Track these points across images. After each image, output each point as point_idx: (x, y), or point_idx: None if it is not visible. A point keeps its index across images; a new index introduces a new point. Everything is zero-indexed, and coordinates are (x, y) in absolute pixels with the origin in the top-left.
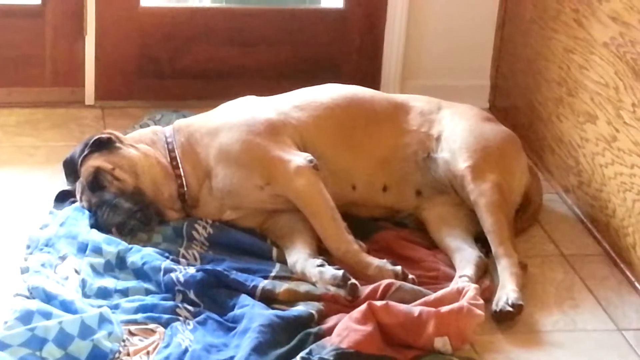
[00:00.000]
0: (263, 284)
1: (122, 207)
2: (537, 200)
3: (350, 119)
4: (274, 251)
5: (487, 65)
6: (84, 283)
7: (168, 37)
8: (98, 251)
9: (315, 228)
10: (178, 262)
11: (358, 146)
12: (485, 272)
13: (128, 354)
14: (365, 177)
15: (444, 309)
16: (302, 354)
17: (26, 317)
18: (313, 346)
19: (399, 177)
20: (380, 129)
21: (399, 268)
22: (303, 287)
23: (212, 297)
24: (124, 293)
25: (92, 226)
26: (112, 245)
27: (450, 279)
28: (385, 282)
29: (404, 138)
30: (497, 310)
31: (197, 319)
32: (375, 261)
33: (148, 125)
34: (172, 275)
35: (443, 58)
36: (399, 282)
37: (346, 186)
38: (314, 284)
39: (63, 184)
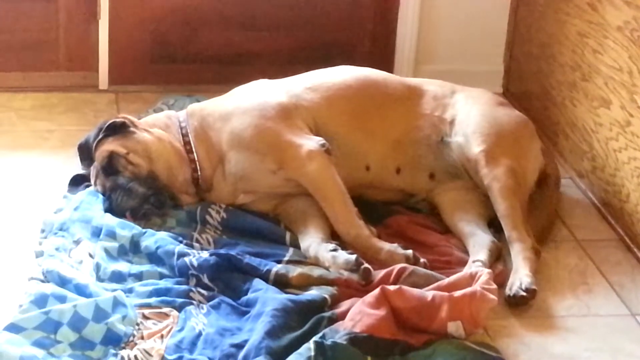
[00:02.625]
0: (276, 268)
1: (136, 192)
2: (555, 184)
3: (363, 100)
4: (288, 235)
5: (501, 50)
6: (98, 267)
7: (181, 22)
8: (112, 235)
9: (327, 212)
10: (192, 247)
11: (371, 128)
12: (499, 257)
13: (142, 338)
14: (379, 158)
15: (457, 293)
16: (315, 338)
17: (41, 301)
18: (326, 330)
19: (412, 159)
20: (394, 111)
21: (410, 252)
22: (316, 272)
23: (226, 281)
24: (138, 277)
25: (106, 210)
26: (126, 229)
27: (463, 263)
28: (398, 266)
29: (417, 121)
30: (511, 294)
31: (211, 303)
32: (386, 246)
33: (162, 110)
34: (186, 259)
35: (456, 43)
36: (412, 267)
37: (360, 167)
38: (327, 268)
39: (77, 168)
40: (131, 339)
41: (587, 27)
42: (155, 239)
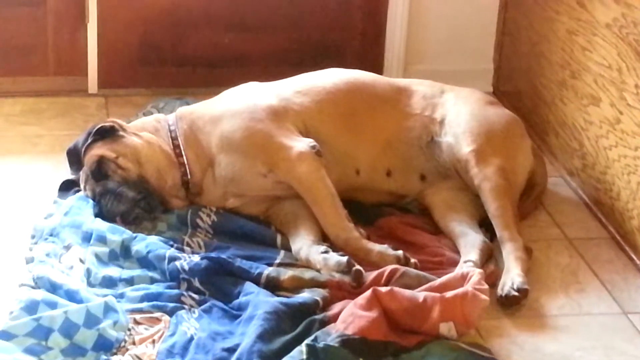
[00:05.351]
0: (268, 271)
1: (126, 196)
2: (541, 183)
3: (353, 103)
4: (279, 238)
5: (490, 49)
6: (88, 272)
7: (170, 24)
8: (102, 240)
9: (316, 215)
10: (182, 250)
11: (361, 130)
12: (490, 257)
13: (133, 343)
14: (369, 161)
15: (449, 294)
16: (308, 340)
17: (31, 307)
18: (318, 333)
19: (403, 161)
20: (383, 112)
21: (400, 253)
22: (308, 274)
23: (217, 285)
24: (129, 282)
25: (96, 215)
26: (116, 234)
27: (455, 264)
28: (389, 267)
29: (407, 122)
30: (503, 294)
31: (203, 307)
32: (376, 247)
33: (151, 113)
34: (177, 263)
35: (446, 42)
36: (403, 268)
37: (350, 171)
38: (318, 270)
39: (67, 173)
40: (123, 344)
41: (576, 25)
42: (146, 243)
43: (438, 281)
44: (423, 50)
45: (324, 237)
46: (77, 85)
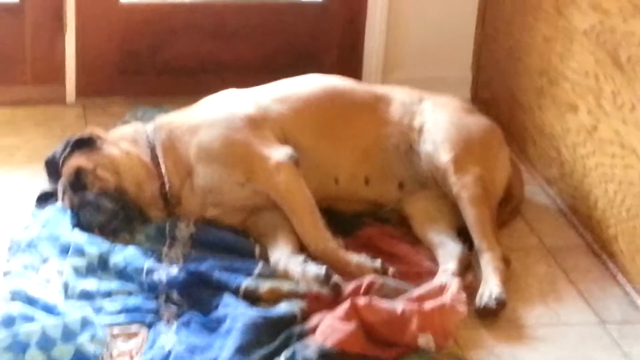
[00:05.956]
0: (246, 282)
1: (105, 207)
2: (519, 193)
3: (331, 110)
4: (257, 249)
5: (469, 56)
6: (66, 285)
7: (148, 33)
8: (80, 253)
9: (294, 225)
10: (161, 262)
11: (339, 138)
12: (469, 267)
13: (111, 357)
14: (347, 169)
15: (427, 306)
16: (286, 353)
17: (8, 321)
18: (297, 345)
19: (381, 169)
20: (361, 120)
21: (378, 263)
22: (286, 286)
23: (196, 297)
24: (107, 294)
25: (74, 226)
26: (94, 246)
27: (433, 274)
28: (368, 278)
29: (385, 129)
30: (481, 306)
31: (181, 319)
32: (354, 258)
33: (130, 123)
34: (155, 275)
35: (424, 50)
36: (381, 279)
37: (328, 179)
38: (297, 282)
39: (45, 184)
40: (100, 358)
41: (554, 32)
42: (124, 255)
43: (416, 292)
44: (402, 58)
45: (302, 247)
46: (55, 94)
